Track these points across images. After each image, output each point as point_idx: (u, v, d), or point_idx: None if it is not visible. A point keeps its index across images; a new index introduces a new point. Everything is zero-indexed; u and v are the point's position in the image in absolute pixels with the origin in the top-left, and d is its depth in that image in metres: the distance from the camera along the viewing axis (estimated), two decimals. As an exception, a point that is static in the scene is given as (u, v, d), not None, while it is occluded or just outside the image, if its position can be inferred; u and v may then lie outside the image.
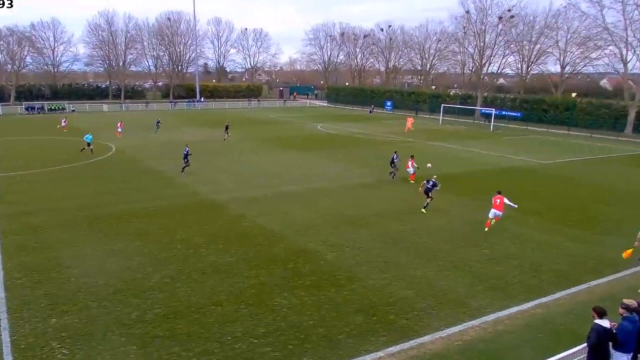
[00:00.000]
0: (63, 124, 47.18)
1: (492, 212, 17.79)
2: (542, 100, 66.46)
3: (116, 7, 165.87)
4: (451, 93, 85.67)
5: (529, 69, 77.95)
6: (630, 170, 33.12)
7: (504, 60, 76.99)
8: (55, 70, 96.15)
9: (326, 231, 17.83)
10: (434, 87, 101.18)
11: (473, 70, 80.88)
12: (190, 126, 54.99)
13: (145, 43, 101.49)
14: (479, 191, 23.55)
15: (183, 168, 27.52)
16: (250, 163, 32.14)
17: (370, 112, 79.49)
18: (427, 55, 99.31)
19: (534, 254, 15.90)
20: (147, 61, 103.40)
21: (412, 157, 26.75)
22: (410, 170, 26.23)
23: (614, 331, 8.15)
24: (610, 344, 8.17)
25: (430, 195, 20.33)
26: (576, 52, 69.23)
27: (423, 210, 20.36)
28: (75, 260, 14.62)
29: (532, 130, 57.28)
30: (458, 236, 17.54)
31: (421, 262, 14.99)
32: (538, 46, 73.64)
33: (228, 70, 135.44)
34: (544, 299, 12.63)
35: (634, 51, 56.46)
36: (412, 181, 26.00)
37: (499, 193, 17.98)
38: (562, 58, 71.47)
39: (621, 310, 8.35)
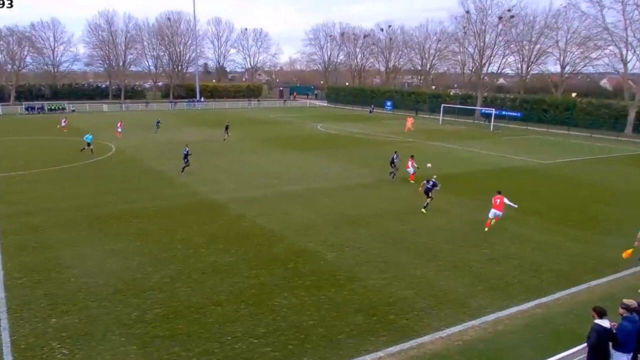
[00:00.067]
0: (63, 124, 47.19)
1: (492, 212, 17.79)
2: (542, 100, 66.46)
3: (116, 7, 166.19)
4: (451, 93, 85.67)
5: (529, 69, 78.00)
6: (630, 170, 33.12)
7: (504, 60, 77.18)
8: (55, 70, 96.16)
9: (326, 231, 17.83)
10: (434, 87, 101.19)
11: (473, 70, 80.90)
12: (190, 126, 54.99)
13: (145, 43, 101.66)
14: (479, 191, 23.55)
15: (183, 168, 27.52)
16: (250, 163, 32.14)
17: (370, 112, 79.49)
18: (427, 55, 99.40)
19: (534, 254, 15.90)
20: (147, 61, 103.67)
21: (412, 157, 26.75)
22: (410, 170, 26.24)
23: (614, 331, 8.15)
24: (610, 344, 8.17)
25: (430, 195, 20.33)
26: (576, 52, 69.32)
27: (423, 210, 20.36)
28: (75, 260, 14.62)
29: (532, 130, 57.28)
30: (458, 236, 17.54)
31: (421, 262, 14.99)
32: (538, 46, 73.74)
33: (228, 70, 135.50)
34: (544, 299, 12.63)
35: (634, 51, 56.52)
36: (412, 181, 26.00)
37: (499, 193, 17.98)
38: (562, 58, 71.58)
39: (621, 310, 8.35)
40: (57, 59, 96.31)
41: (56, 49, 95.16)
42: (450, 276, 13.97)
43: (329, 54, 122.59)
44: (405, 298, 12.53)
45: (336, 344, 10.38)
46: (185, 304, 11.98)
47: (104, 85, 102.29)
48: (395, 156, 27.26)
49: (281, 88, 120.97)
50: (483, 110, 65.44)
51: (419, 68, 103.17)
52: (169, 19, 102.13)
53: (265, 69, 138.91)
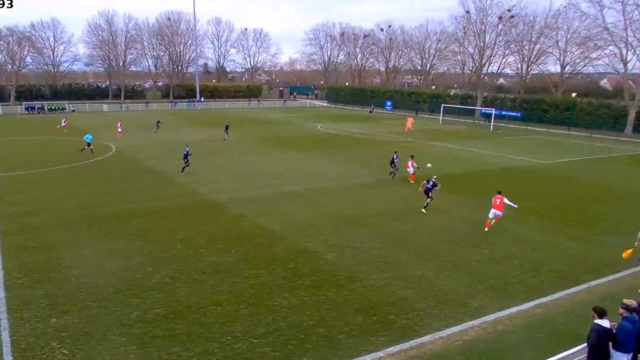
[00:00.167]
0: (63, 124, 47.19)
1: (492, 212, 17.79)
2: (542, 100, 66.45)
3: (116, 7, 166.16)
4: (451, 93, 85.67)
5: (529, 69, 78.00)
6: (630, 170, 33.12)
7: (504, 60, 77.18)
8: (55, 70, 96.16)
9: (326, 231, 17.83)
10: (434, 87, 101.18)
11: (473, 70, 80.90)
12: (190, 126, 54.99)
13: (145, 43, 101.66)
14: (479, 191, 23.55)
15: (183, 168, 27.52)
16: (250, 163, 32.14)
17: (370, 112, 79.49)
18: (427, 55, 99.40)
19: (534, 254, 15.90)
20: (147, 61, 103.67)
21: (412, 157, 26.75)
22: (410, 170, 26.24)
23: (614, 331, 8.15)
24: (610, 344, 8.17)
25: (430, 195, 20.33)
26: (576, 52, 69.32)
27: (423, 210, 20.36)
28: (75, 260, 14.62)
29: (532, 130, 57.27)
30: (458, 236, 17.54)
31: (421, 262, 14.99)
32: (538, 46, 73.74)
33: (228, 70, 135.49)
34: (544, 299, 12.63)
35: (634, 51, 56.52)
36: (412, 181, 26.00)
37: (499, 193, 17.98)
38: (562, 58, 71.58)
39: (621, 310, 8.35)
40: (57, 59, 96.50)
41: (56, 49, 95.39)
42: (450, 276, 13.97)
43: (329, 54, 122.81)
44: (405, 298, 12.53)
45: (336, 344, 10.38)
46: (185, 304, 11.98)
47: (104, 85, 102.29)
48: (395, 156, 27.26)
49: (281, 88, 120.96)
50: (483, 110, 65.44)
51: (419, 68, 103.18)
52: (169, 19, 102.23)
53: (265, 69, 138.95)
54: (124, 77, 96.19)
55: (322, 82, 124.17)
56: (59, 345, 10.10)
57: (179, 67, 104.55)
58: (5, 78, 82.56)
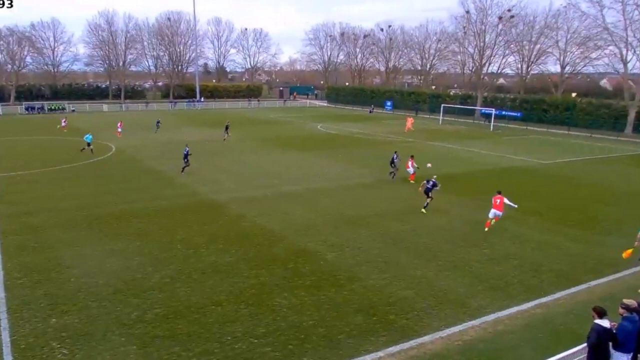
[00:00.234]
0: (63, 124, 47.19)
1: (492, 212, 17.79)
2: (542, 100, 66.46)
3: (116, 7, 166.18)
4: (451, 93, 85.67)
5: (529, 69, 78.00)
6: (630, 170, 33.12)
7: (504, 60, 77.19)
8: (55, 70, 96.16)
9: (326, 231, 17.83)
10: (434, 87, 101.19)
11: (473, 70, 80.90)
12: (190, 126, 54.99)
13: (145, 43, 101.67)
14: (479, 191, 23.55)
15: (183, 168, 27.53)
16: (250, 163, 32.14)
17: (370, 112, 79.49)
18: (427, 55, 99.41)
19: (534, 254, 15.90)
20: (147, 61, 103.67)
21: (412, 157, 26.75)
22: (410, 170, 26.24)
23: (614, 331, 8.15)
24: (610, 344, 8.17)
25: (430, 195, 20.33)
26: (576, 52, 69.33)
27: (423, 210, 20.36)
28: (75, 260, 14.62)
29: (532, 130, 57.28)
30: (458, 236, 17.54)
31: (421, 262, 14.99)
32: (538, 46, 73.74)
33: (228, 70, 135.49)
34: (544, 299, 12.63)
35: (634, 51, 56.52)
36: (412, 181, 26.00)
37: (499, 193, 17.98)
38: (562, 58, 71.58)
39: (621, 310, 8.35)
40: (57, 59, 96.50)
41: (56, 49, 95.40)
42: (450, 276, 13.97)
43: (329, 54, 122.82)
44: (405, 298, 12.53)
45: (336, 344, 10.38)
46: (185, 304, 11.98)
47: (104, 85, 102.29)
48: (395, 156, 27.26)
49: (281, 88, 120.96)
50: (483, 110, 65.44)
51: (419, 68, 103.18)
52: (169, 19, 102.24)
53: (265, 69, 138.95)
54: (124, 77, 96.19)
55: (322, 82, 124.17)
56: (59, 345, 10.10)
57: (179, 67, 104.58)
58: (5, 78, 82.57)
